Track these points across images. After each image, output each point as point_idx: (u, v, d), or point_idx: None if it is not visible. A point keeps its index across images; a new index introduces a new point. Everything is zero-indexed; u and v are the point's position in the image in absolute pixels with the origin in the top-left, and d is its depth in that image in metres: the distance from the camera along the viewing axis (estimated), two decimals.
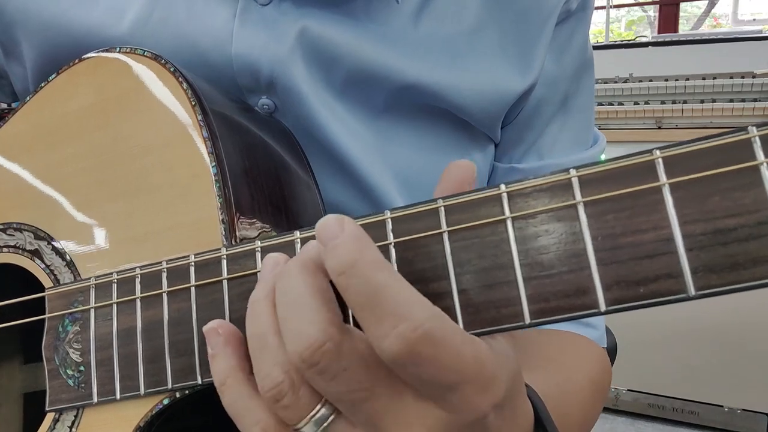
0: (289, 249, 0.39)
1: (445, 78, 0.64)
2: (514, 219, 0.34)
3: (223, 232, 0.45)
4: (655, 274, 0.31)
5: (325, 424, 0.37)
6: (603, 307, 0.32)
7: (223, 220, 0.45)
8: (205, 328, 0.40)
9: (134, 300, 0.46)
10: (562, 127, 0.73)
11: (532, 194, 0.34)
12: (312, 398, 0.36)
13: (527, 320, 0.33)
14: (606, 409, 2.52)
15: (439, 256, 0.36)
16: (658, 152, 0.31)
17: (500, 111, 0.67)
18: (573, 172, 0.33)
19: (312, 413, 0.36)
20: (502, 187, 0.34)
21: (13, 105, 0.78)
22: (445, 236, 0.36)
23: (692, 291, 0.30)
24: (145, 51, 0.52)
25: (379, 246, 0.35)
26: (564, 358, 0.65)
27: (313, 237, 0.39)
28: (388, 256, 0.37)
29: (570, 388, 0.62)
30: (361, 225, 0.36)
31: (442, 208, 0.36)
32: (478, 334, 0.35)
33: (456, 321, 0.35)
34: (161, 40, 0.61)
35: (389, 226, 0.37)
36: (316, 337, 0.33)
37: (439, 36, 0.65)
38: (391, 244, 0.37)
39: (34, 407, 0.65)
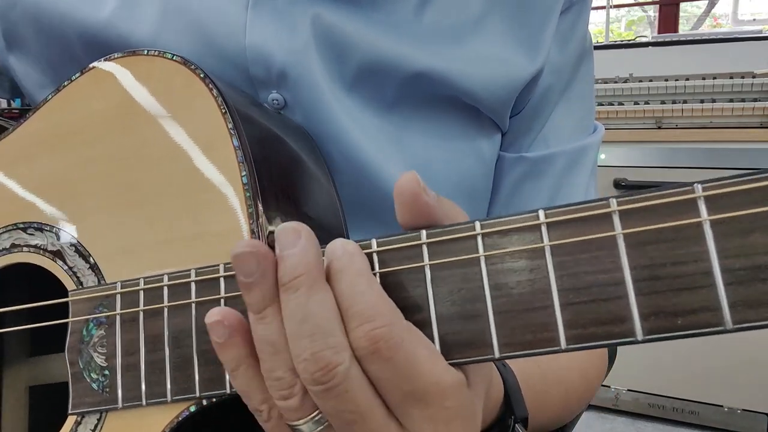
0: None
1: (454, 63, 0.64)
2: (552, 247, 0.35)
3: None
4: (693, 306, 0.31)
5: (321, 427, 0.39)
6: (640, 336, 0.32)
7: (253, 229, 0.45)
8: (207, 321, 0.40)
9: (162, 308, 0.46)
10: (565, 114, 0.74)
11: (572, 222, 0.35)
12: (315, 404, 0.38)
13: (563, 345, 0.34)
14: (606, 409, 2.53)
15: (476, 278, 0.37)
16: (699, 188, 0.31)
17: (510, 96, 0.68)
18: (613, 202, 0.33)
19: (312, 416, 0.39)
20: (541, 215, 0.35)
21: (13, 102, 0.78)
22: (482, 260, 0.36)
23: (730, 324, 0.31)
24: (173, 55, 0.51)
25: (415, 267, 0.38)
26: None
27: None
28: (423, 276, 0.38)
29: (554, 368, 0.64)
30: (399, 247, 0.39)
31: (480, 235, 0.37)
32: (513, 357, 0.36)
33: (491, 341, 0.36)
34: (178, 30, 0.61)
35: (425, 248, 0.38)
36: (330, 359, 0.36)
37: (444, 25, 0.65)
38: (426, 265, 0.38)
39: (40, 401, 0.65)
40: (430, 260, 0.38)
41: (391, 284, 0.38)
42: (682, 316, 0.32)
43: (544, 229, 0.35)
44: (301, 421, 0.39)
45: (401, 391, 0.36)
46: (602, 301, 0.33)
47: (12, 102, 0.77)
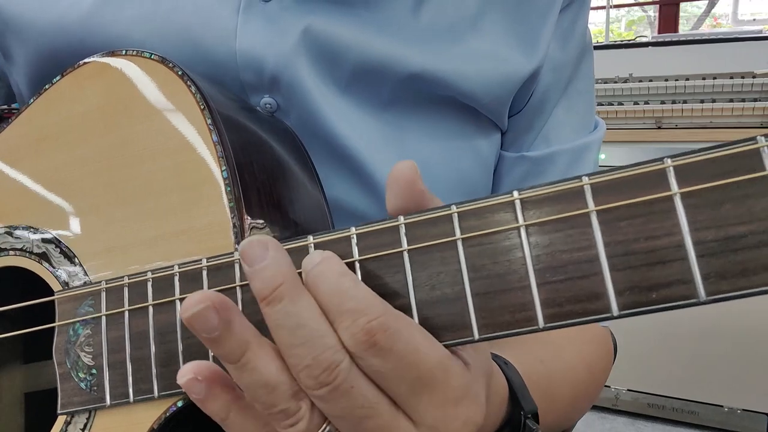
0: (302, 253, 0.39)
1: (450, 64, 0.64)
2: (527, 226, 0.35)
3: (235, 237, 0.45)
4: (667, 279, 0.31)
5: None
6: (616, 312, 0.32)
7: (234, 224, 0.45)
8: (181, 381, 0.38)
9: (146, 306, 0.46)
10: (565, 112, 0.73)
11: (545, 201, 0.35)
12: (320, 418, 0.38)
13: (541, 324, 0.34)
14: (606, 409, 2.53)
15: (453, 261, 0.37)
16: (669, 161, 0.31)
17: (507, 95, 0.67)
18: (585, 179, 0.33)
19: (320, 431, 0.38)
20: (515, 194, 0.35)
21: (14, 105, 0.78)
22: (459, 243, 0.36)
23: (703, 296, 0.31)
24: (152, 54, 0.52)
25: (391, 252, 0.38)
26: (557, 336, 0.65)
27: (326, 243, 0.40)
28: (402, 261, 0.38)
29: (559, 366, 0.63)
30: (377, 230, 0.38)
31: (456, 215, 0.37)
32: (492, 338, 0.36)
33: (470, 324, 0.36)
34: (166, 35, 0.61)
35: (402, 230, 0.38)
36: (332, 359, 0.35)
37: (441, 24, 0.65)
38: (405, 251, 0.38)
39: (35, 407, 0.65)
40: (408, 245, 0.38)
41: (371, 271, 0.38)
42: (656, 290, 0.32)
43: (519, 209, 0.35)
44: None
45: (407, 381, 0.36)
46: (578, 278, 0.33)
47: (12, 104, 0.77)
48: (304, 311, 0.36)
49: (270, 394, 0.37)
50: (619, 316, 0.32)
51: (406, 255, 0.38)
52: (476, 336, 0.36)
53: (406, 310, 0.37)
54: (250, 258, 0.36)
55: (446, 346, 0.37)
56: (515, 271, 0.35)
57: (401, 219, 0.38)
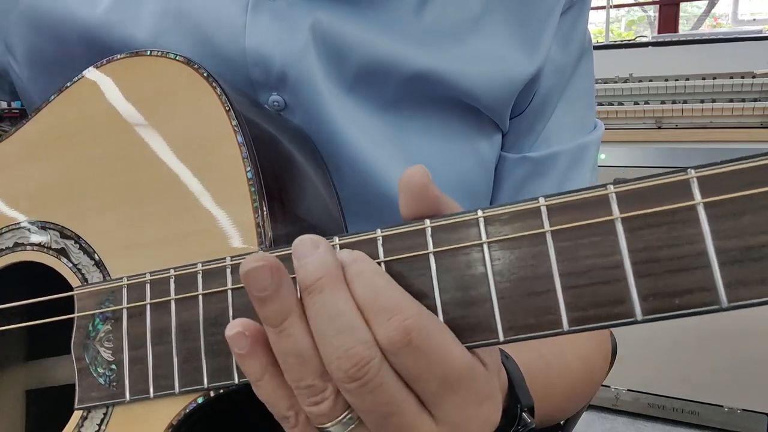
0: None
1: (454, 64, 0.64)
2: (553, 233, 0.36)
3: (258, 236, 0.46)
4: (690, 286, 0.32)
5: (351, 427, 0.39)
6: (639, 317, 0.33)
7: (258, 223, 0.46)
8: (229, 333, 0.40)
9: (169, 301, 0.47)
10: (565, 112, 0.74)
11: (571, 208, 0.35)
12: (344, 404, 0.39)
13: (565, 327, 0.35)
14: (606, 409, 2.53)
15: (479, 264, 0.37)
16: (693, 171, 0.33)
17: (509, 95, 0.68)
18: (611, 188, 0.34)
19: (341, 417, 0.39)
20: (541, 200, 0.36)
21: (14, 104, 0.79)
22: (485, 247, 0.37)
23: (725, 303, 0.32)
24: (176, 55, 0.52)
25: (420, 255, 0.39)
26: None
27: (352, 244, 0.41)
28: (428, 264, 0.38)
29: (558, 361, 0.64)
30: (403, 232, 0.39)
31: (482, 219, 0.38)
32: (517, 340, 0.36)
33: (495, 326, 0.37)
34: (177, 33, 0.62)
35: (428, 233, 0.39)
36: (363, 354, 0.36)
37: (444, 24, 0.66)
38: (431, 253, 0.39)
39: (36, 404, 0.65)
40: (434, 248, 0.38)
41: (396, 273, 0.39)
42: (679, 296, 0.33)
43: (544, 215, 0.36)
44: (331, 423, 0.39)
45: (436, 381, 0.37)
46: (602, 283, 0.34)
47: (12, 103, 0.77)
48: (341, 303, 0.37)
49: (300, 366, 0.38)
50: (643, 321, 0.33)
51: (432, 257, 0.38)
52: (501, 338, 0.37)
53: (432, 311, 0.38)
54: (299, 253, 0.38)
55: (471, 348, 0.38)
56: (541, 275, 0.36)
57: (427, 222, 0.39)
